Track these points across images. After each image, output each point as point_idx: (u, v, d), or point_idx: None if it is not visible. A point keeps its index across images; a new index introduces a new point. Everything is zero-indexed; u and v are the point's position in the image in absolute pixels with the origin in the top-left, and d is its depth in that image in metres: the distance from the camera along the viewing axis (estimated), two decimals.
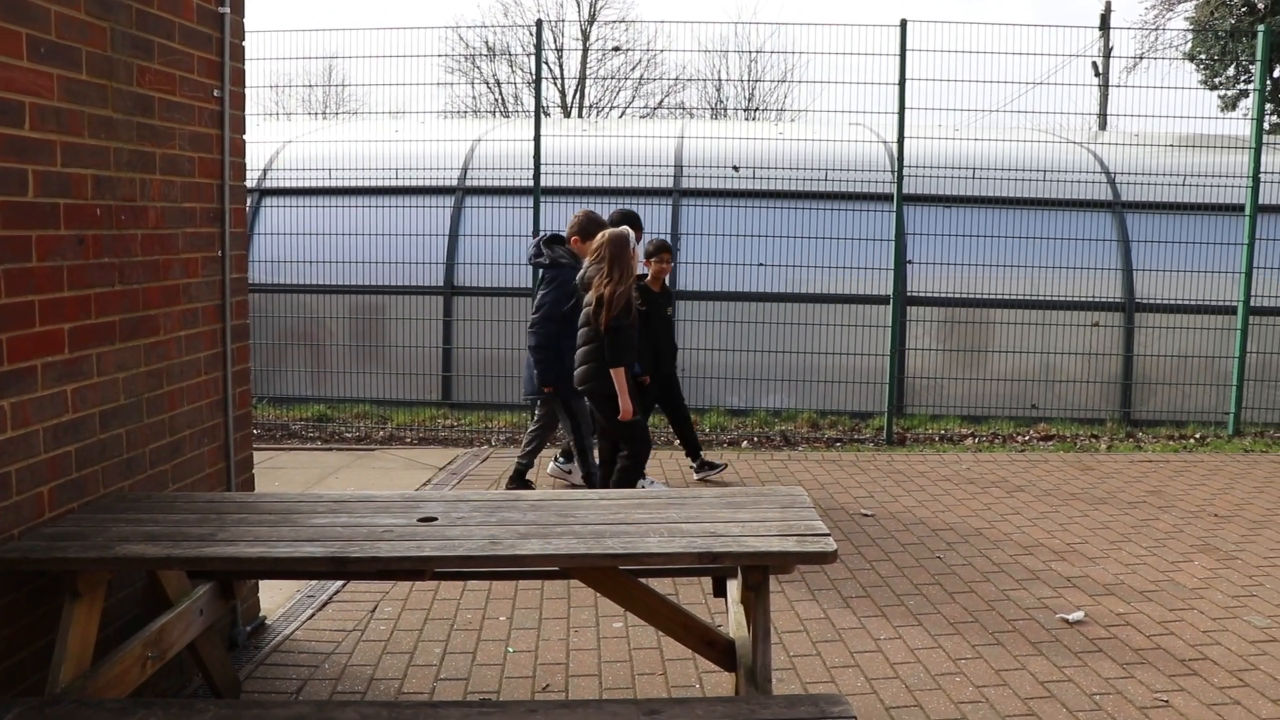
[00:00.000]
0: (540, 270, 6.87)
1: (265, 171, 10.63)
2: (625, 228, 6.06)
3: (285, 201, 10.37)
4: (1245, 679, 4.19)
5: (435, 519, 3.29)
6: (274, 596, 4.97)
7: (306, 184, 10.46)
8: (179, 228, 3.91)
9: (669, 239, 9.83)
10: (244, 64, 4.32)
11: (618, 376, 5.83)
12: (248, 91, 4.43)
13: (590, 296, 5.90)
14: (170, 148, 3.81)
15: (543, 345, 6.57)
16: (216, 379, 4.25)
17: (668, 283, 7.43)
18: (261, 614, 4.69)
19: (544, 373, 6.58)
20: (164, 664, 3.37)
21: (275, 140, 11.19)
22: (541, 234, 7.01)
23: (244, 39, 4.32)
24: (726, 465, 7.62)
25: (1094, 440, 9.13)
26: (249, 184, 10.21)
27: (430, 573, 3.25)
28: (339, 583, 5.16)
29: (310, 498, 3.63)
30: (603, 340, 5.82)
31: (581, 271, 6.10)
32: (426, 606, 4.93)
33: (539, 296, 6.72)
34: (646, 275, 7.14)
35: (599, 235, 5.98)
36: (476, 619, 4.78)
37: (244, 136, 4.38)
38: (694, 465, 7.52)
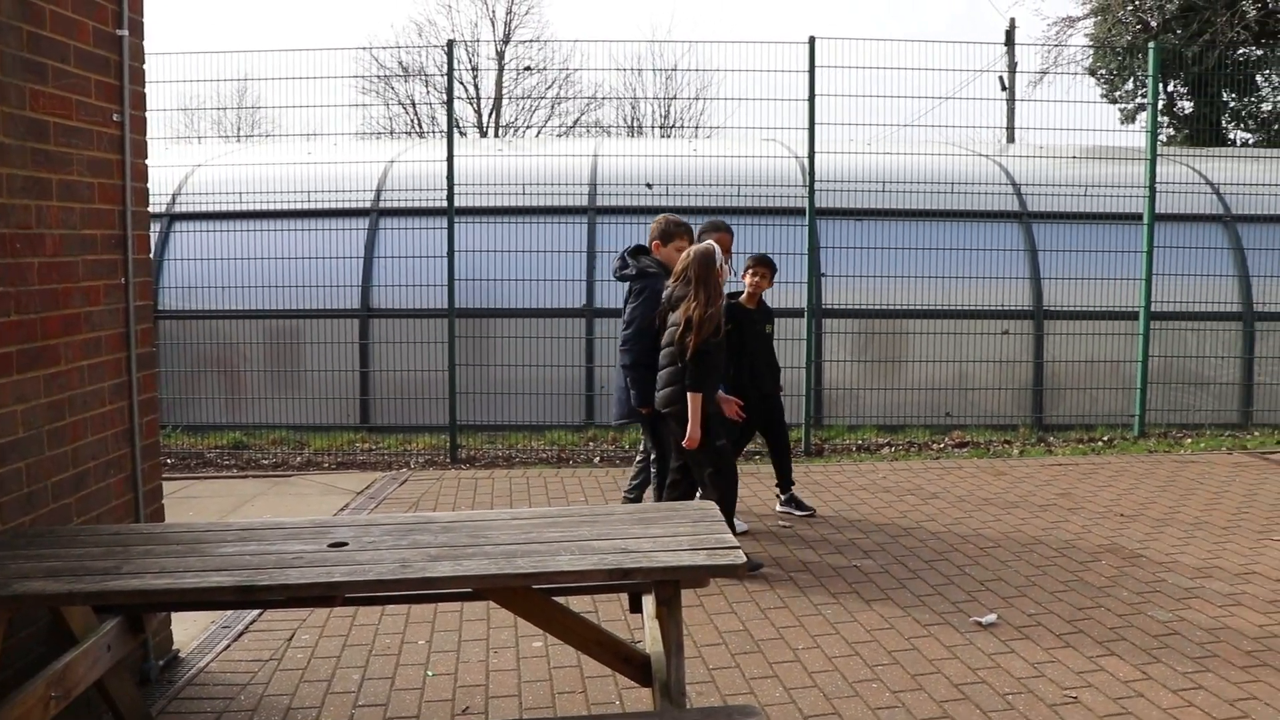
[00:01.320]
0: (629, 284, 6.27)
1: (175, 196, 10.46)
2: (710, 243, 5.75)
3: (197, 226, 10.21)
4: (1148, 671, 4.31)
5: (346, 544, 3.26)
6: (188, 629, 4.88)
7: (218, 208, 10.30)
8: (79, 255, 3.84)
9: (588, 257, 9.88)
10: (144, 87, 4.27)
11: (694, 401, 5.57)
12: (155, 115, 4.39)
13: (677, 317, 5.65)
14: (68, 173, 3.75)
15: (639, 363, 6.02)
16: (122, 408, 4.17)
17: (765, 299, 6.99)
18: (175, 647, 4.61)
19: (642, 393, 5.99)
20: (69, 703, 3.29)
21: (185, 164, 11.03)
22: (627, 246, 6.43)
23: (144, 62, 4.26)
24: (815, 512, 6.94)
25: (1007, 446, 9.32)
26: (158, 209, 10.11)
27: (341, 598, 3.22)
28: (254, 612, 5.08)
29: (219, 526, 3.58)
30: (687, 363, 5.61)
31: (668, 291, 5.81)
32: (344, 633, 4.88)
33: (628, 311, 6.15)
34: (742, 292, 6.83)
35: (684, 254, 5.75)
36: (395, 643, 4.75)
37: (147, 161, 4.32)
38: (781, 496, 7.02)
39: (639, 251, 6.26)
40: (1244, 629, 4.80)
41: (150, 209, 4.44)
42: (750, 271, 6.79)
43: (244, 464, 8.96)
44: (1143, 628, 4.82)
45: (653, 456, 6.19)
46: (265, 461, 9.02)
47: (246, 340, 9.98)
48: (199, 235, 10.12)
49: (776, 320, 7.01)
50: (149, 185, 4.36)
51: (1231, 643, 4.64)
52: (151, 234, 4.53)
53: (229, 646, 4.73)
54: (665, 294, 5.84)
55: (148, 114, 4.33)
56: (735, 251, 6.86)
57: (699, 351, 5.54)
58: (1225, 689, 4.15)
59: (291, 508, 7.29)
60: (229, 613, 5.07)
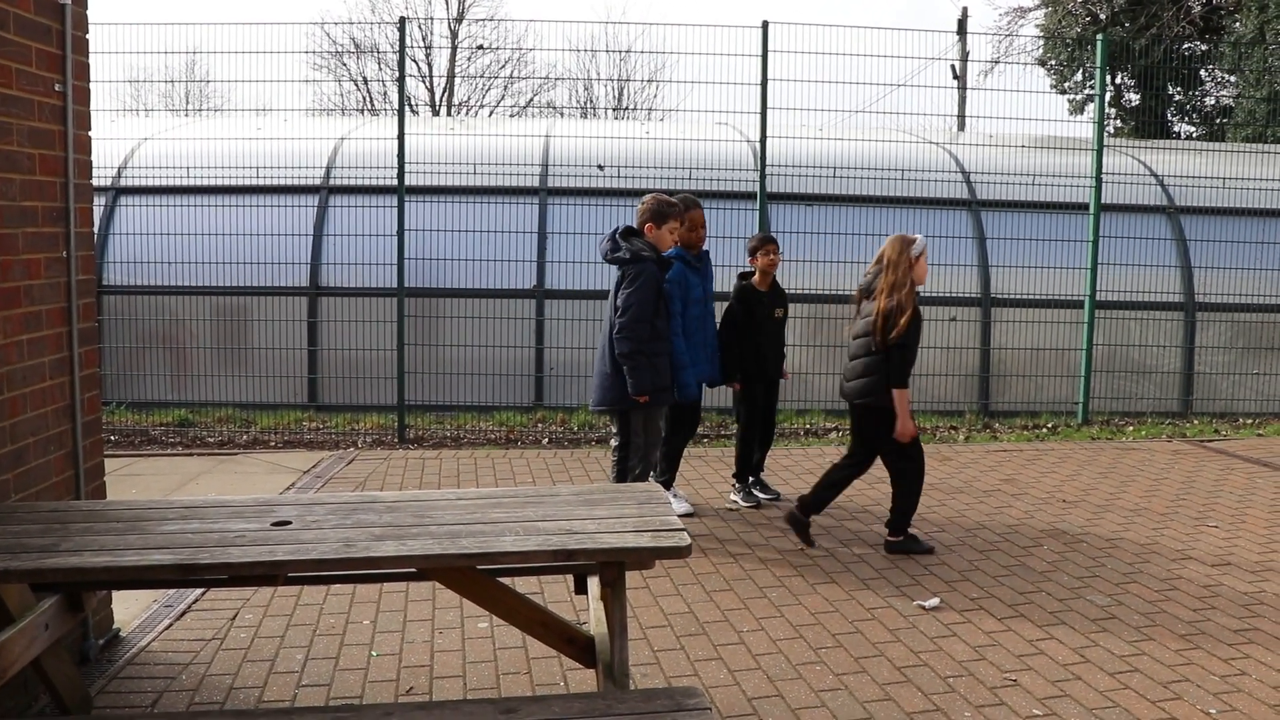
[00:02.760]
0: (621, 268, 5.90)
1: (121, 170, 10.29)
2: (914, 235, 5.72)
3: (143, 200, 10.05)
4: (1086, 655, 4.39)
5: (289, 523, 3.24)
6: (129, 608, 4.82)
7: (166, 183, 10.16)
8: (18, 227, 3.76)
9: (539, 238, 9.84)
10: (88, 58, 4.19)
11: (899, 397, 5.57)
12: (100, 86, 4.31)
13: (874, 307, 5.59)
14: (7, 144, 3.67)
15: (637, 351, 5.73)
16: (63, 384, 4.11)
17: (778, 282, 6.92)
18: (116, 626, 4.55)
19: (638, 382, 5.75)
20: (5, 683, 3.25)
21: (132, 137, 10.84)
22: (615, 227, 6.04)
23: (87, 31, 4.18)
24: (779, 496, 6.92)
25: (953, 431, 9.43)
26: (103, 183, 9.94)
27: (284, 578, 3.20)
28: (197, 591, 5.03)
29: (161, 504, 3.54)
30: (884, 355, 5.58)
31: (866, 279, 5.77)
32: (289, 612, 4.85)
33: (623, 296, 5.78)
34: (753, 274, 6.77)
35: (888, 242, 5.69)
36: (340, 623, 4.72)
37: (91, 133, 4.25)
38: (736, 481, 6.92)
39: (630, 233, 5.96)
40: (1179, 613, 4.90)
41: (94, 182, 4.37)
42: (760, 253, 6.72)
43: (189, 442, 8.86)
44: (1082, 611, 4.91)
45: (614, 445, 6.09)
46: (211, 439, 8.92)
47: (193, 317, 9.86)
48: (145, 210, 9.97)
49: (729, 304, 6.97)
50: (93, 158, 4.29)
51: (1166, 626, 4.73)
52: (96, 208, 4.46)
53: (171, 626, 4.68)
54: (863, 281, 5.87)
55: (92, 85, 4.25)
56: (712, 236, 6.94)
57: (899, 345, 5.54)
58: (1159, 671, 4.24)
59: (237, 486, 7.23)
60: (171, 592, 5.02)
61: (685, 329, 6.25)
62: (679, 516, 6.18)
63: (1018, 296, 10.26)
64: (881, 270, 5.66)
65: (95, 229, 4.77)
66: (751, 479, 6.95)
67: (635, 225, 6.02)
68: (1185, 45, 21.20)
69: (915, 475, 5.81)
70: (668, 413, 6.36)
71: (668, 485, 6.53)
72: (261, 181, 10.17)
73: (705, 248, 6.64)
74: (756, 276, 6.74)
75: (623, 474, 5.96)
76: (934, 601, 5.02)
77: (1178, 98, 21.91)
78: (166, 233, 9.85)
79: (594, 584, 3.78)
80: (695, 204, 6.51)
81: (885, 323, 5.55)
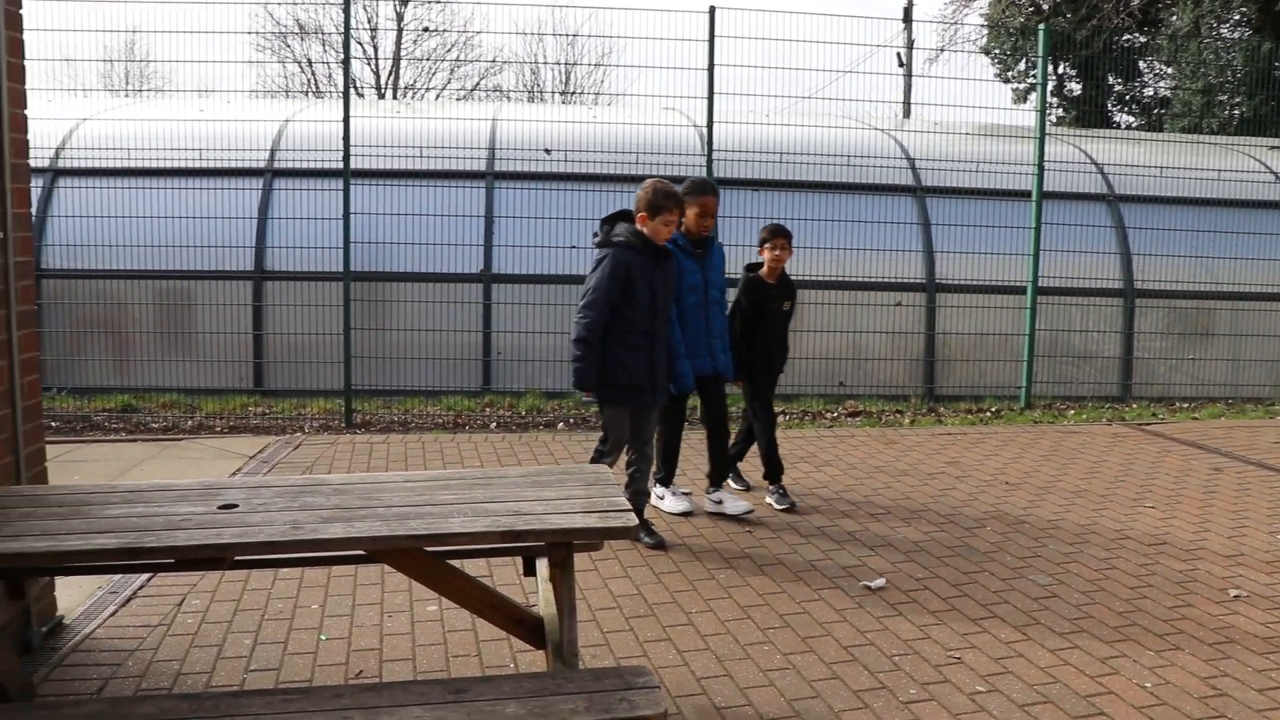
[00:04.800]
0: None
1: (59, 151, 10.11)
2: None
3: (83, 182, 9.89)
4: (1028, 633, 4.48)
5: (236, 505, 3.22)
6: (73, 595, 4.76)
7: (106, 164, 9.99)
8: None
9: (486, 222, 9.80)
10: (22, 33, 4.11)
11: None
12: (36, 64, 4.23)
13: None
14: None
15: (582, 339, 5.35)
16: (1, 368, 4.04)
17: (787, 274, 6.63)
18: (59, 613, 4.49)
19: (581, 372, 5.39)
20: None
21: (70, 118, 10.65)
22: (609, 213, 5.73)
23: (21, 6, 4.10)
24: (753, 511, 6.28)
25: (899, 415, 9.54)
26: (41, 164, 9.76)
27: (230, 561, 3.19)
28: (144, 577, 4.98)
29: (104, 489, 3.50)
30: None
31: None
32: (236, 597, 4.81)
33: (587, 278, 5.48)
34: (761, 265, 6.52)
35: None
36: (289, 608, 4.70)
37: (26, 111, 4.17)
38: (769, 482, 6.54)
39: (620, 217, 5.59)
40: (1117, 591, 5.01)
41: (32, 163, 4.29)
42: (769, 245, 6.45)
43: (133, 427, 8.74)
44: (1024, 591, 5.00)
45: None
46: (155, 425, 8.81)
47: (136, 301, 9.72)
48: (85, 192, 9.80)
49: None
50: (29, 137, 4.21)
51: (1105, 604, 4.84)
52: (33, 189, 4.38)
53: (116, 612, 4.63)
54: None
55: (28, 62, 4.17)
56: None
57: None
58: (1098, 647, 4.34)
59: (182, 472, 7.15)
60: (117, 578, 4.96)
61: (680, 319, 5.91)
62: (676, 515, 6.12)
63: (961, 282, 10.40)
64: None
65: (33, 211, 4.69)
66: (732, 472, 6.85)
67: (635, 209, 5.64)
68: (1125, 37, 21.54)
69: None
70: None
71: (665, 482, 6.28)
72: (204, 163, 10.06)
73: (714, 235, 6.25)
74: (764, 269, 6.51)
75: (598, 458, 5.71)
76: (880, 582, 5.09)
77: (1118, 88, 22.27)
78: (107, 215, 9.70)
79: (543, 566, 3.80)
80: (707, 189, 6.03)
81: None
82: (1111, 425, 9.21)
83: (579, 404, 9.48)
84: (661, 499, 6.29)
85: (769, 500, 6.44)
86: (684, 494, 6.38)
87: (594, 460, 5.60)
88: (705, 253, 6.04)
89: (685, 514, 6.21)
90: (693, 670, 4.10)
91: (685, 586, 5.02)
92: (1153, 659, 4.23)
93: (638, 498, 5.62)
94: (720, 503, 6.18)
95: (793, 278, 6.74)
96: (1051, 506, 6.48)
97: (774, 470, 6.50)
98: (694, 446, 7.52)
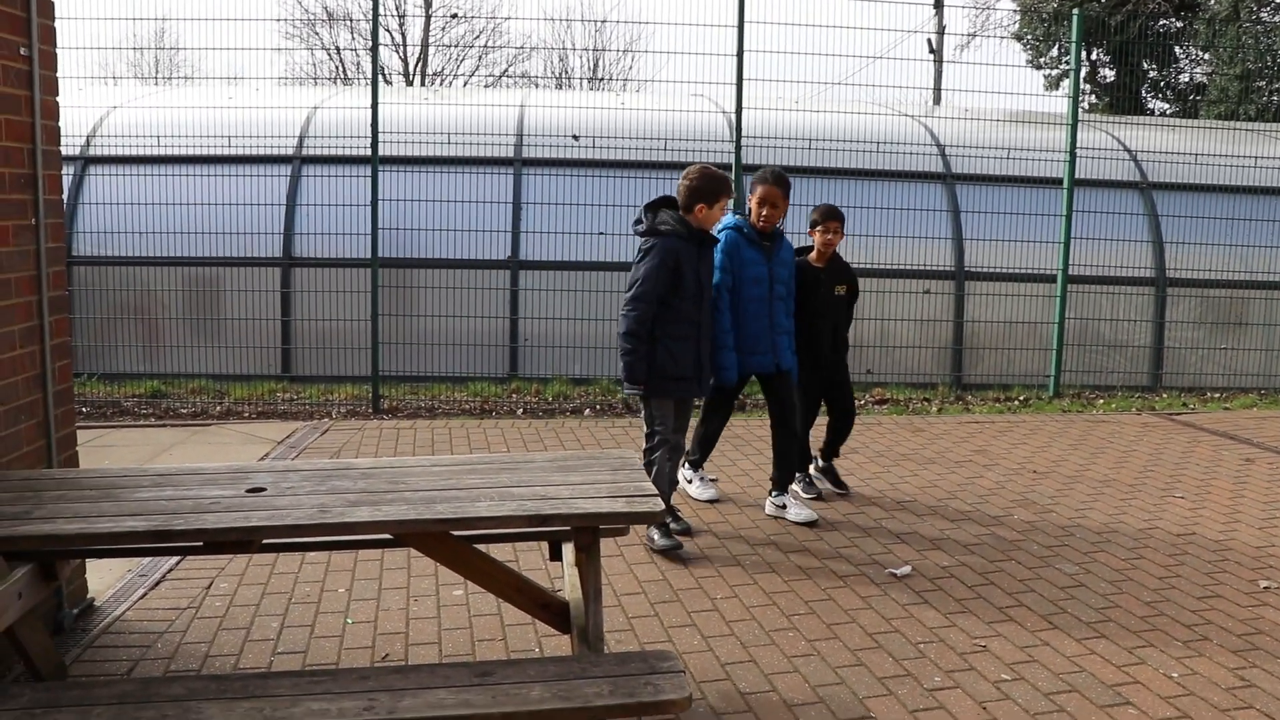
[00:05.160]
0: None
1: (90, 139, 10.19)
2: None
3: (113, 170, 9.96)
4: (1054, 621, 4.46)
5: (264, 489, 3.25)
6: (104, 577, 4.81)
7: (136, 152, 10.06)
8: None
9: (513, 209, 9.80)
10: (54, 20, 4.14)
11: None
12: (68, 53, 4.26)
13: None
14: None
15: (632, 332, 5.15)
16: (34, 353, 4.08)
17: (840, 256, 6.33)
18: (90, 595, 4.54)
19: (631, 366, 5.20)
20: None
21: (101, 105, 10.72)
22: (651, 199, 5.44)
23: None
24: (849, 491, 6.41)
25: (926, 403, 9.49)
26: (72, 151, 9.84)
27: (258, 543, 3.21)
28: (172, 560, 5.03)
29: (134, 472, 3.53)
30: None
31: None
32: (264, 581, 4.85)
33: (633, 272, 5.24)
34: (811, 248, 6.20)
35: None
36: (315, 591, 4.73)
37: (58, 99, 4.20)
38: (820, 464, 6.48)
39: (663, 204, 5.33)
40: (1145, 581, 4.98)
41: (63, 151, 4.33)
42: (820, 228, 6.13)
43: (162, 413, 8.81)
44: (1051, 580, 4.97)
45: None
46: (184, 410, 8.88)
47: (165, 288, 9.80)
48: (115, 179, 9.87)
49: None
50: (60, 124, 4.24)
51: (1133, 594, 4.80)
52: (65, 176, 4.42)
53: (146, 595, 4.68)
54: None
55: (59, 51, 4.20)
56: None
57: None
58: (1125, 637, 4.31)
59: (211, 457, 7.21)
60: (146, 561, 5.01)
61: (738, 311, 5.65)
62: (702, 501, 6.06)
63: (991, 270, 10.32)
64: None
65: (64, 197, 4.72)
66: (819, 465, 6.48)
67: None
68: (1160, 22, 21.30)
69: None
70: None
71: (696, 466, 6.22)
72: (233, 151, 10.10)
73: (780, 227, 5.87)
74: (813, 254, 6.19)
75: (648, 467, 5.30)
76: (905, 569, 5.08)
77: (1152, 74, 22.03)
78: (137, 202, 9.76)
79: (568, 550, 3.81)
80: (774, 178, 5.72)
81: None
82: (1141, 415, 9.14)
83: (605, 390, 9.49)
84: (689, 483, 6.25)
85: (795, 489, 6.26)
86: (711, 480, 6.35)
87: (648, 454, 5.34)
88: (773, 245, 5.78)
89: (711, 501, 6.16)
90: (717, 656, 4.10)
91: (710, 573, 5.02)
92: (1180, 650, 4.20)
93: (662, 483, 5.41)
94: (784, 508, 5.89)
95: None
96: (1079, 495, 6.44)
97: (786, 471, 6.02)
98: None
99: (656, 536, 5.32)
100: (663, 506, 3.09)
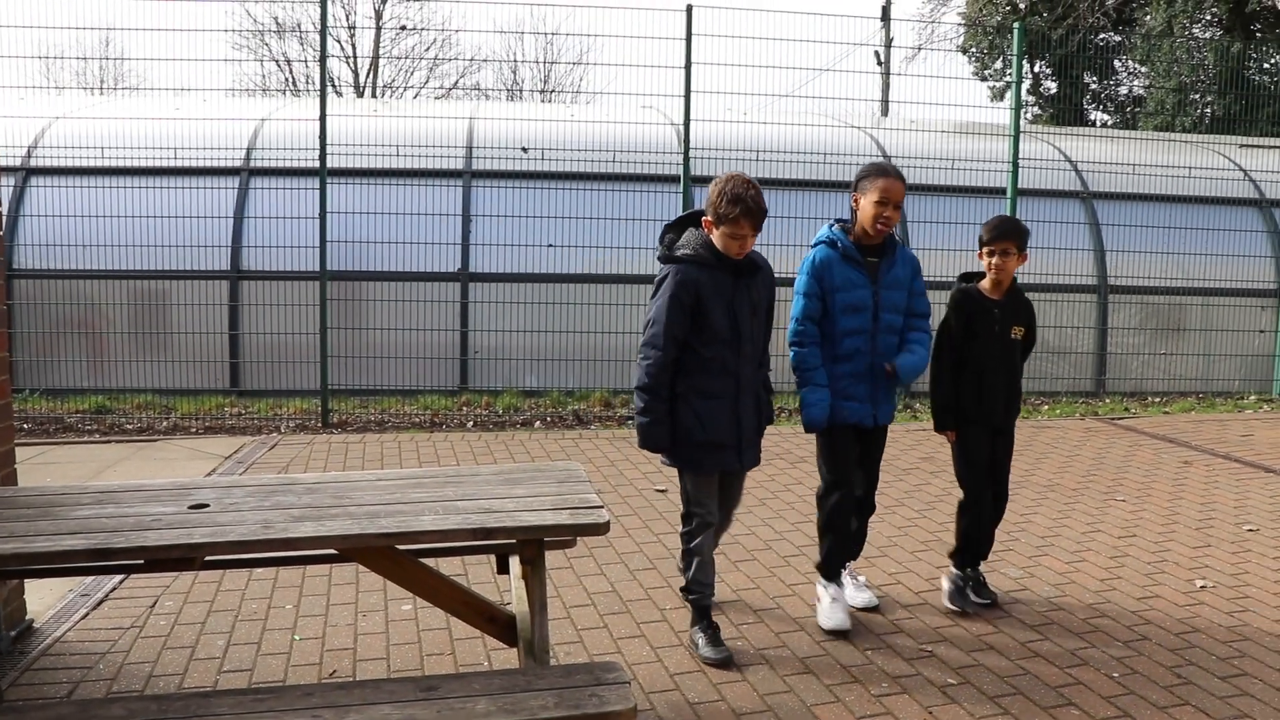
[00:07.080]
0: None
1: (32, 149, 10.02)
2: None
3: (56, 181, 9.81)
4: (999, 625, 4.52)
5: (208, 505, 3.22)
6: (44, 597, 4.75)
7: (80, 163, 9.92)
8: None
9: (463, 221, 9.79)
10: None
11: None
12: (8, 62, 4.21)
13: None
14: None
15: (644, 386, 4.11)
16: None
17: (1019, 288, 4.88)
18: (29, 616, 4.48)
19: (646, 429, 4.14)
20: None
21: (44, 116, 10.57)
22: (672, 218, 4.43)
23: None
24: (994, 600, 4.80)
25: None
26: (13, 162, 9.70)
27: (201, 561, 3.18)
28: (116, 579, 4.97)
29: (75, 489, 3.49)
30: None
31: None
32: (210, 598, 4.80)
33: (649, 305, 4.22)
34: (981, 274, 4.84)
35: None
36: (262, 609, 4.70)
37: None
38: (963, 571, 4.79)
39: (687, 222, 4.29)
40: (1086, 584, 5.06)
41: (3, 162, 4.28)
42: (988, 249, 4.71)
43: (107, 429, 8.70)
44: (995, 585, 5.04)
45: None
46: (129, 426, 8.77)
47: (110, 301, 9.68)
48: (58, 191, 9.73)
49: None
50: (1, 135, 4.19)
51: (1075, 596, 4.88)
52: (5, 188, 4.36)
53: (88, 615, 4.62)
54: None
55: (0, 59, 4.16)
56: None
57: None
58: (1067, 639, 4.38)
59: (156, 473, 7.13)
60: (88, 580, 4.95)
61: (835, 347, 4.52)
62: (859, 610, 4.63)
63: (938, 279, 10.42)
64: None
65: (5, 210, 4.66)
66: (970, 570, 4.81)
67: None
68: (1100, 35, 21.67)
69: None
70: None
71: (829, 573, 4.60)
72: (180, 163, 10.01)
73: (894, 233, 4.69)
74: (985, 280, 4.83)
75: (686, 555, 4.32)
76: (865, 589, 5.11)
77: (1093, 86, 22.41)
78: (81, 215, 9.64)
79: (515, 564, 3.81)
80: (885, 170, 4.53)
81: None
82: (1085, 420, 9.28)
83: (555, 402, 9.49)
84: (818, 600, 4.61)
85: (945, 585, 4.82)
86: (863, 583, 4.86)
87: (685, 539, 4.31)
88: (881, 261, 4.58)
89: (870, 608, 4.73)
90: (666, 666, 4.12)
91: (660, 583, 5.04)
92: (1120, 649, 4.27)
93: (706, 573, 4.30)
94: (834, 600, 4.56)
95: (1024, 293, 4.98)
96: (1025, 500, 6.53)
97: (971, 552, 4.81)
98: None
99: (701, 642, 4.21)
100: (607, 518, 3.10)
